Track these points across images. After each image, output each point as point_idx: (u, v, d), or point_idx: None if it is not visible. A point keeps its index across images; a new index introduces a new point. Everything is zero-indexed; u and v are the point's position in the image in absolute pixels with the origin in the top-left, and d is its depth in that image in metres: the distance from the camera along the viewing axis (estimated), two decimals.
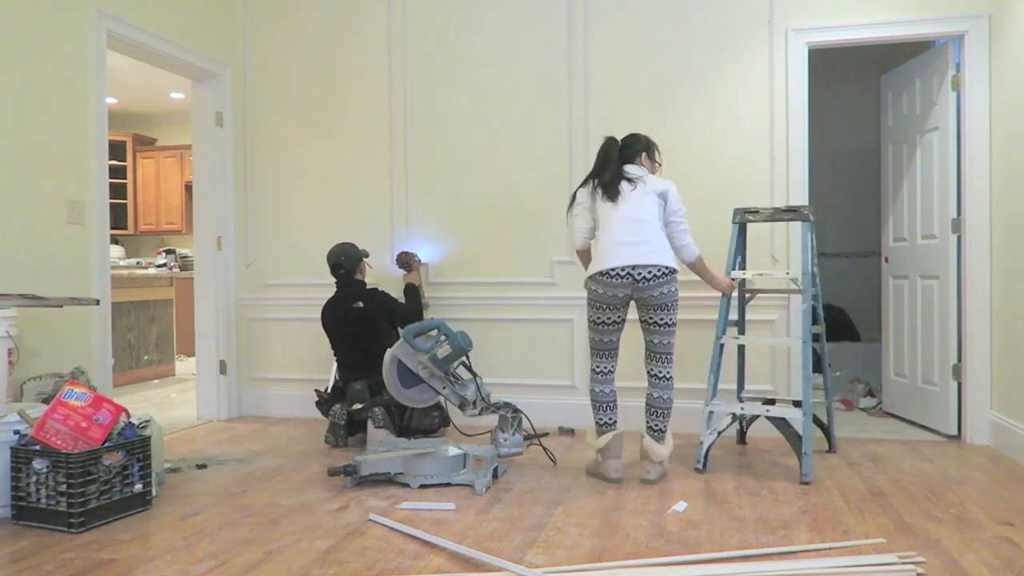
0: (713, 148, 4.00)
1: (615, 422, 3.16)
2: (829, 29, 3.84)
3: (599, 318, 3.12)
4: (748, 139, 3.95)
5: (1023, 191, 3.38)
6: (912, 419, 4.26)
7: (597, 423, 3.16)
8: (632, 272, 3.01)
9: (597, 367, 3.18)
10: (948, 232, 3.91)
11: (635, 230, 3.05)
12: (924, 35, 3.79)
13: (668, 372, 3.12)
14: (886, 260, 4.58)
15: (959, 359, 3.87)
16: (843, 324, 5.80)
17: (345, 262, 3.91)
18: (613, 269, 3.02)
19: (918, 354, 4.19)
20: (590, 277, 3.11)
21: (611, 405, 3.15)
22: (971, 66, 3.73)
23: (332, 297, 3.98)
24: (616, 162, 3.18)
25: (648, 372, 3.16)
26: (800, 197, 3.88)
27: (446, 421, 3.82)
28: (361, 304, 3.86)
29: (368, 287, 3.98)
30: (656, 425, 3.12)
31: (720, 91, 3.99)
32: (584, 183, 3.24)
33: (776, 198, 3.91)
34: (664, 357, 3.11)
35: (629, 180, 3.14)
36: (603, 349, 3.16)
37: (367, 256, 4.05)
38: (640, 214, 3.07)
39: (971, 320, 3.75)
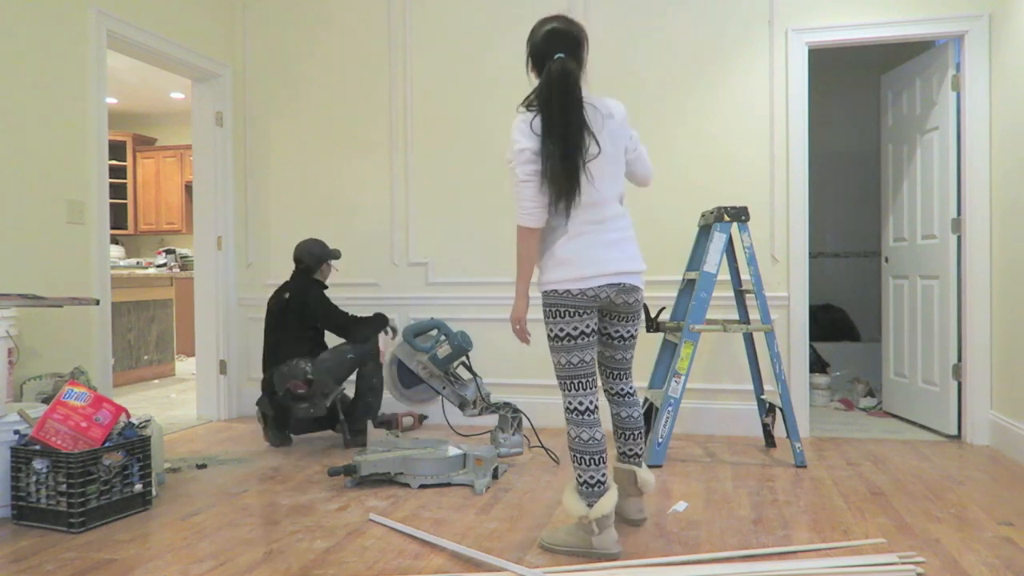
0: (713, 147, 4.00)
1: (606, 479, 2.34)
2: (829, 29, 3.84)
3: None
4: (748, 139, 3.95)
5: (1023, 191, 3.38)
6: (912, 419, 4.26)
7: (588, 482, 2.30)
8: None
9: (589, 403, 2.35)
10: (948, 232, 3.91)
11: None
12: (924, 35, 3.80)
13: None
14: (886, 260, 4.58)
15: (959, 359, 3.88)
16: (843, 324, 5.81)
17: (305, 258, 3.85)
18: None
19: (918, 354, 4.19)
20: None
21: (605, 456, 2.34)
22: (971, 66, 3.73)
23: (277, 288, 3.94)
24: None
25: (615, 391, 2.55)
26: (800, 197, 3.88)
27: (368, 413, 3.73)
28: (287, 296, 3.76)
29: (314, 286, 3.80)
30: (640, 450, 2.57)
31: (720, 91, 3.99)
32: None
33: (776, 198, 3.91)
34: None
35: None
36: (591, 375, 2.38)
37: (336, 258, 3.94)
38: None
39: (971, 320, 3.76)
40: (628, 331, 2.45)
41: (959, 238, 3.86)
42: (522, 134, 2.26)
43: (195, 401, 4.71)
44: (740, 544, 2.36)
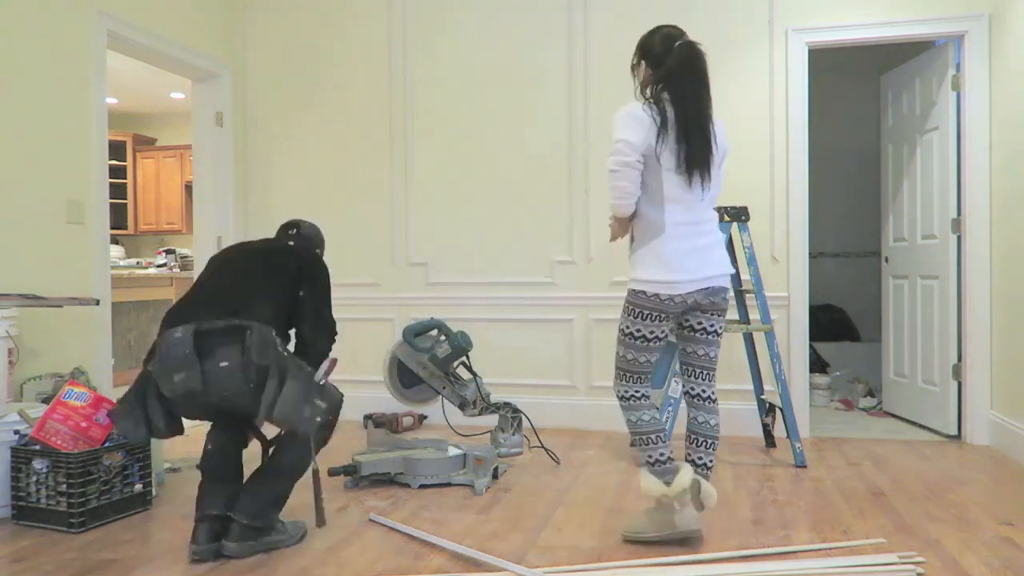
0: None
1: (672, 457, 2.40)
2: (829, 29, 3.84)
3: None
4: (748, 139, 3.95)
5: (1023, 191, 3.38)
6: (912, 419, 4.26)
7: (658, 460, 2.36)
8: None
9: (640, 392, 2.42)
10: (948, 232, 3.91)
11: None
12: (924, 35, 3.79)
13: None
14: (886, 260, 4.58)
15: (959, 359, 3.87)
16: (843, 324, 5.80)
17: (305, 229, 2.80)
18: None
19: (918, 354, 4.19)
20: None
21: (664, 435, 2.40)
22: (971, 66, 3.73)
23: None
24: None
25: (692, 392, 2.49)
26: (800, 197, 3.88)
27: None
28: (292, 244, 2.68)
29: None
30: (711, 462, 2.44)
31: (720, 91, 3.97)
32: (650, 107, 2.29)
33: (776, 198, 3.91)
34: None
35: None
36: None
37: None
38: None
39: (971, 320, 3.75)
40: (712, 325, 2.39)
41: (959, 238, 3.86)
42: (635, 123, 2.26)
43: None
44: (740, 544, 2.36)
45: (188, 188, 7.95)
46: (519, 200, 4.24)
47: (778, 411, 3.56)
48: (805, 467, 3.30)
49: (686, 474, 2.32)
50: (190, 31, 4.26)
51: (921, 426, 4.17)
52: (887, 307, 4.57)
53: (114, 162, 7.91)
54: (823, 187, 6.03)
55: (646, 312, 2.31)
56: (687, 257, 2.29)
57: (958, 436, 3.87)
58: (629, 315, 2.34)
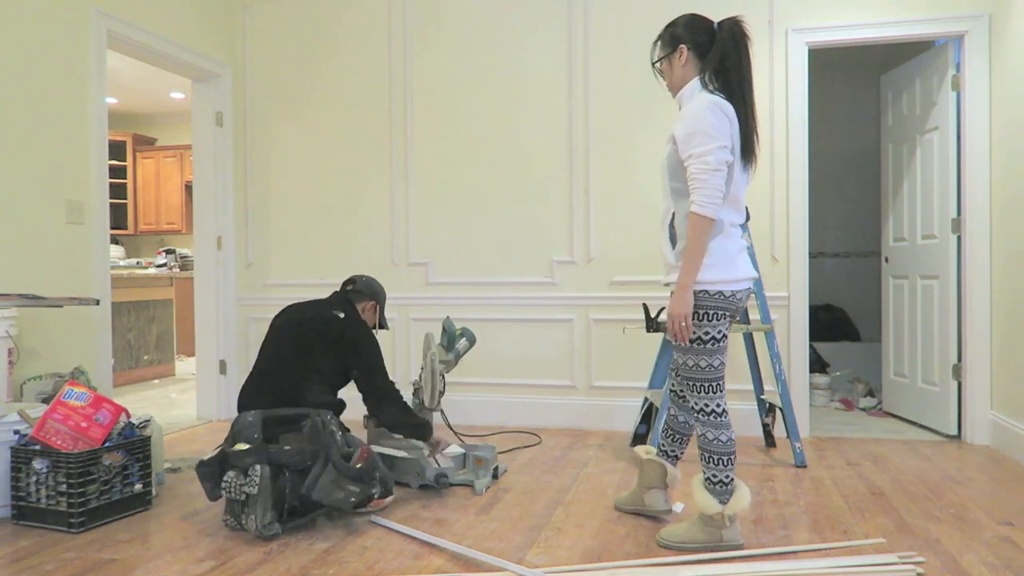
0: None
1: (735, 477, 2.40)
2: (829, 29, 3.84)
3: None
4: None
5: (1023, 191, 3.38)
6: (912, 419, 4.26)
7: (723, 482, 2.31)
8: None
9: (726, 405, 2.36)
10: (948, 232, 3.91)
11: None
12: (924, 35, 3.79)
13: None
14: (886, 260, 4.58)
15: (959, 359, 3.87)
16: (843, 324, 5.80)
17: (360, 285, 3.16)
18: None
19: (918, 354, 4.19)
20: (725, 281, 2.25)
21: (736, 455, 2.43)
22: (971, 66, 3.73)
23: (307, 300, 3.11)
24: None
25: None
26: (800, 197, 3.88)
27: (385, 493, 2.61)
28: (343, 316, 2.94)
29: (363, 321, 3.04)
30: (682, 454, 2.65)
31: None
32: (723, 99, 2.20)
33: (776, 198, 3.91)
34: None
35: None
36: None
37: (384, 326, 3.26)
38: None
39: (971, 320, 3.75)
40: (729, 329, 2.38)
41: (959, 238, 3.86)
42: (726, 118, 2.17)
43: (195, 401, 4.71)
44: None
45: (188, 188, 7.95)
46: (519, 200, 4.24)
47: (778, 411, 3.56)
48: (805, 467, 3.30)
49: (743, 495, 2.32)
50: (190, 31, 4.27)
51: (921, 426, 4.17)
52: (887, 307, 4.57)
53: (114, 162, 7.91)
54: (823, 187, 6.04)
55: (711, 312, 2.23)
56: (739, 256, 2.28)
57: (958, 436, 3.88)
58: (706, 320, 2.23)
